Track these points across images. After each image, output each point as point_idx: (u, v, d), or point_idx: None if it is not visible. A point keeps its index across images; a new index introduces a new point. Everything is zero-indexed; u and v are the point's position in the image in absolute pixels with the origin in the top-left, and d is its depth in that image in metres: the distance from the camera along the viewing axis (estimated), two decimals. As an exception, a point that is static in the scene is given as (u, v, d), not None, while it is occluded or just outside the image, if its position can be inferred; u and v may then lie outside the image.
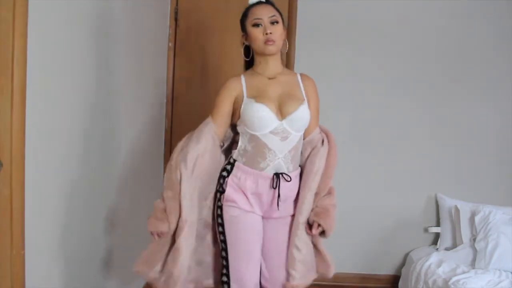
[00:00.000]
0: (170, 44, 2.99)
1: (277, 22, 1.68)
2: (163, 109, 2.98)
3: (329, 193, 1.77)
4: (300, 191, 1.76)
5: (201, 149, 1.70)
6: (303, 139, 1.78)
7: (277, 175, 1.70)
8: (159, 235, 1.67)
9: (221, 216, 1.73)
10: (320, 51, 2.98)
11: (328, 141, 1.80)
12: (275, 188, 1.70)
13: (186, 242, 1.66)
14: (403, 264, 2.95)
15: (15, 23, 1.34)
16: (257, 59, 1.75)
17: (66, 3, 1.65)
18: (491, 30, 2.92)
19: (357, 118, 2.99)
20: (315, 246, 1.80)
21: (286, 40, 1.76)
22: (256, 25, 1.67)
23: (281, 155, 1.70)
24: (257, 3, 1.71)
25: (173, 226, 1.65)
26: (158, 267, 1.70)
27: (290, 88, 1.74)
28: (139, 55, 2.46)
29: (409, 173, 2.99)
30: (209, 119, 1.77)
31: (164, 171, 2.98)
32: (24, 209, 1.42)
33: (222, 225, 1.73)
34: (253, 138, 1.70)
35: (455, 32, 2.93)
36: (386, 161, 3.00)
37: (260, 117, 1.65)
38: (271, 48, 1.68)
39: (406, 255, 2.97)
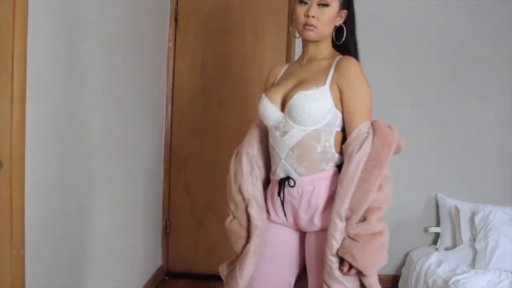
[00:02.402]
0: (170, 44, 2.99)
1: (327, 5, 1.38)
2: (163, 109, 2.98)
3: (365, 218, 1.31)
4: (330, 213, 1.34)
5: (254, 147, 1.53)
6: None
7: (282, 180, 1.42)
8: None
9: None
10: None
11: (373, 143, 1.37)
12: (279, 195, 1.43)
13: (255, 248, 1.47)
14: (403, 264, 2.95)
15: (15, 23, 1.34)
16: (303, 43, 1.49)
17: (66, 3, 1.65)
18: (492, 30, 2.92)
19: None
20: (361, 283, 1.38)
21: (345, 27, 1.44)
22: (302, 1, 1.40)
23: (283, 155, 1.42)
24: None
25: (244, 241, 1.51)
26: (230, 269, 1.57)
27: (315, 73, 1.42)
28: (139, 55, 2.46)
29: (409, 173, 2.99)
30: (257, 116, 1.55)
31: (165, 171, 3.01)
32: (24, 209, 1.42)
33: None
34: (269, 136, 1.50)
35: (455, 32, 2.93)
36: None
37: (260, 110, 1.47)
38: (309, 34, 1.40)
39: (406, 255, 2.97)
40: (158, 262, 3.02)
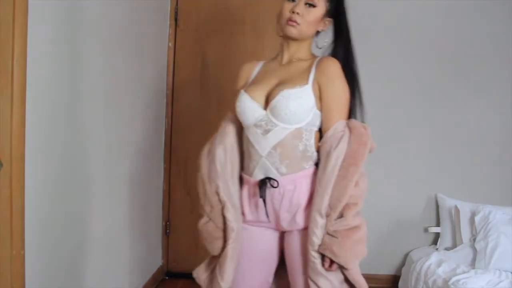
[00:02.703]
0: (170, 44, 2.99)
1: (313, 6, 1.41)
2: (163, 109, 2.98)
3: (342, 215, 1.34)
4: (310, 210, 1.38)
5: (228, 144, 1.49)
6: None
7: (263, 181, 1.39)
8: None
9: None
10: (320, 51, 2.97)
11: (349, 142, 1.38)
12: (261, 197, 1.39)
13: (232, 252, 1.47)
14: (403, 264, 2.95)
15: (15, 23, 1.35)
16: (281, 40, 1.50)
17: (66, 3, 1.65)
18: (492, 30, 2.92)
19: (357, 118, 2.98)
20: (345, 277, 1.39)
21: (326, 32, 1.51)
22: None
23: (264, 153, 1.39)
24: None
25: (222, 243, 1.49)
26: (208, 273, 1.56)
27: (296, 73, 1.43)
28: (139, 55, 2.46)
29: (409, 173, 2.99)
30: (228, 113, 1.56)
31: (164, 171, 3.01)
32: (24, 209, 1.42)
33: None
34: (244, 135, 1.48)
35: (455, 32, 2.93)
36: (386, 161, 2.99)
37: (240, 107, 1.44)
38: (290, 29, 1.41)
39: (406, 255, 2.97)
40: (158, 262, 3.02)
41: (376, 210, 3.01)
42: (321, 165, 1.38)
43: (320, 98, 1.40)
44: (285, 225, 1.45)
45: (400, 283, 2.86)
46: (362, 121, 1.54)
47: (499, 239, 2.52)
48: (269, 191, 1.40)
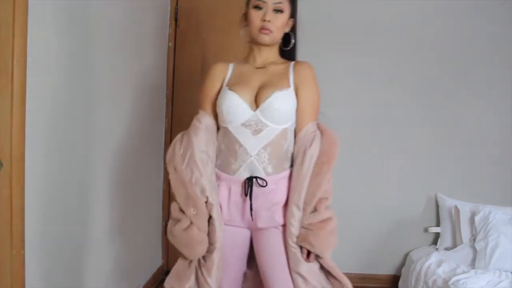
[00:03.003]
0: (170, 44, 2.99)
1: (281, 12, 1.48)
2: (163, 109, 2.98)
3: (316, 209, 1.43)
4: (287, 206, 1.46)
5: (206, 143, 1.50)
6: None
7: (249, 179, 1.44)
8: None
9: None
10: (320, 51, 2.97)
11: (322, 142, 1.47)
12: (246, 195, 1.44)
13: (219, 261, 1.48)
14: (403, 264, 2.95)
15: (15, 23, 1.35)
16: (250, 45, 1.57)
17: (66, 3, 1.65)
18: (491, 30, 2.92)
19: (357, 118, 2.99)
20: (321, 265, 1.49)
21: (292, 34, 1.59)
22: (257, 7, 1.47)
23: (254, 152, 1.44)
24: None
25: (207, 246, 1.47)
26: (192, 282, 1.51)
27: (276, 76, 1.50)
28: (139, 55, 2.46)
29: (409, 173, 2.99)
30: (200, 112, 1.56)
31: (165, 171, 3.00)
32: (24, 209, 1.42)
33: None
34: (226, 133, 1.49)
35: (455, 32, 2.93)
36: (386, 161, 3.00)
37: (230, 106, 1.45)
38: (264, 37, 1.48)
39: (406, 255, 2.97)
40: (158, 262, 3.02)
41: (376, 210, 3.01)
42: (297, 163, 1.46)
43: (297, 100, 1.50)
44: (261, 223, 1.49)
45: (400, 283, 2.86)
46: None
47: (499, 239, 2.52)
48: (254, 191, 1.45)
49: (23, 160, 1.41)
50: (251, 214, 1.46)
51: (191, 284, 1.51)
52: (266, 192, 1.46)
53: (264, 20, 1.45)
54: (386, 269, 3.04)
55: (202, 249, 1.46)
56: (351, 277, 3.09)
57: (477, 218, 2.68)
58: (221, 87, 1.54)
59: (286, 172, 1.49)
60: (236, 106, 1.45)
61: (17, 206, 1.39)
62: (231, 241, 1.51)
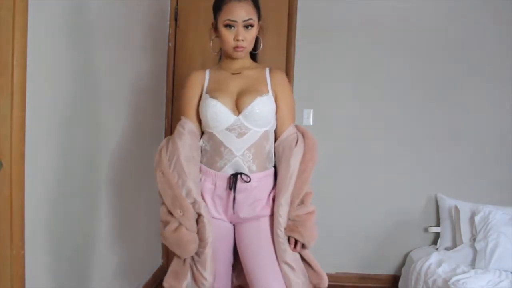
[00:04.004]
0: (170, 44, 2.99)
1: (251, 26, 1.54)
2: (163, 109, 2.98)
3: (302, 202, 1.54)
4: (275, 199, 1.55)
5: (191, 146, 1.58)
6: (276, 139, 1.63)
7: (234, 175, 1.54)
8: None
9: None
10: (320, 51, 2.98)
11: (304, 142, 1.59)
12: (231, 190, 1.54)
13: (211, 251, 1.55)
14: (403, 264, 2.95)
15: (15, 23, 1.35)
16: (224, 55, 1.66)
17: (66, 3, 1.65)
18: (491, 30, 2.92)
19: (357, 118, 2.99)
20: (302, 257, 1.59)
21: (260, 37, 1.63)
22: (228, 26, 1.54)
23: (239, 153, 1.55)
24: None
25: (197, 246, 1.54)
26: (189, 279, 1.57)
27: (254, 82, 1.59)
28: (139, 55, 2.46)
29: (409, 173, 2.99)
30: (182, 118, 1.63)
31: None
32: (24, 209, 1.42)
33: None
34: (211, 137, 1.58)
35: (455, 32, 2.93)
36: (386, 161, 3.00)
37: (213, 112, 1.53)
38: (240, 54, 1.58)
39: (406, 255, 2.97)
40: (158, 262, 3.03)
41: (376, 210, 3.01)
42: (283, 161, 1.57)
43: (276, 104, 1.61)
44: (242, 214, 1.58)
45: (400, 283, 2.86)
46: None
47: (499, 239, 2.52)
48: (238, 186, 1.55)
49: (23, 160, 1.41)
50: (233, 207, 1.56)
51: (188, 281, 1.56)
52: (249, 188, 1.56)
53: (238, 40, 1.53)
54: (386, 269, 3.04)
55: (193, 248, 1.51)
56: (351, 277, 3.12)
57: (477, 218, 2.68)
58: (201, 94, 1.61)
59: (268, 172, 1.61)
60: (219, 113, 1.53)
61: (17, 206, 1.39)
62: (216, 233, 1.57)
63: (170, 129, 3.03)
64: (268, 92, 1.58)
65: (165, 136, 3.01)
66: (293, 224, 1.53)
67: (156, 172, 1.56)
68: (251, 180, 1.55)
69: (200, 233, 1.52)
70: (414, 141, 2.98)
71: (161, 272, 3.03)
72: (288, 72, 2.96)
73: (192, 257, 1.56)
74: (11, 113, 1.36)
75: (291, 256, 1.54)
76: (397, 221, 3.01)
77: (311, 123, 2.98)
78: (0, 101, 1.35)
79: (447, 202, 2.89)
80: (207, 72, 1.65)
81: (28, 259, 1.45)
